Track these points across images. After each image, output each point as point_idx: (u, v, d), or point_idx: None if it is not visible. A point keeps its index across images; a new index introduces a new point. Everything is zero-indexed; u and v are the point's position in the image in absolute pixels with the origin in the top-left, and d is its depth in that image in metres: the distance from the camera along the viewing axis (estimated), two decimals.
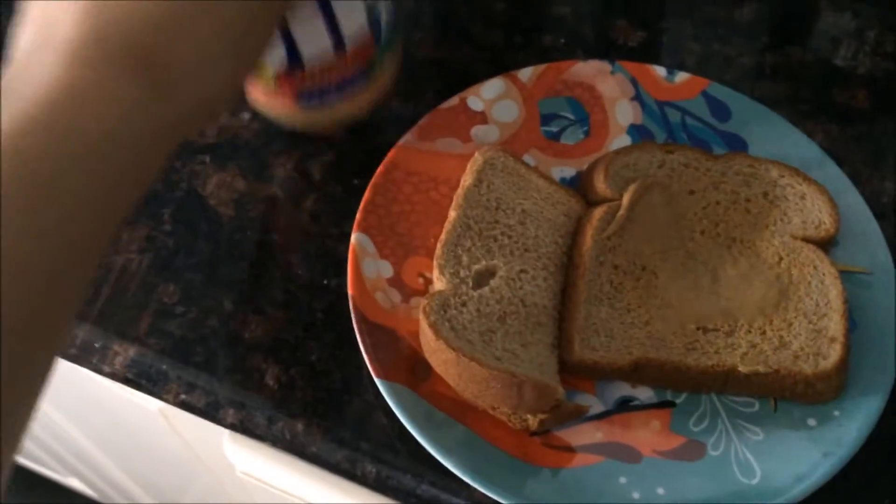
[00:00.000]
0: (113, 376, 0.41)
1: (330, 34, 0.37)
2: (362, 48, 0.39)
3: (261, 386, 0.39)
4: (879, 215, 0.43)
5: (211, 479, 0.66)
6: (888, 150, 0.46)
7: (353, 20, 0.38)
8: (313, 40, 0.37)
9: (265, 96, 0.41)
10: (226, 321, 0.41)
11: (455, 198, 0.40)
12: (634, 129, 0.45)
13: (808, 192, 0.41)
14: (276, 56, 0.38)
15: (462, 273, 0.38)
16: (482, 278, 0.38)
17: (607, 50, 0.51)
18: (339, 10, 0.37)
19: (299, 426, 0.38)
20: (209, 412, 0.39)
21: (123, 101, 0.27)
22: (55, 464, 1.06)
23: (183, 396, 0.40)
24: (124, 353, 0.40)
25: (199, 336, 0.40)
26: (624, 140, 0.45)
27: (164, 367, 0.40)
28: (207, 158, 0.46)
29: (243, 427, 0.39)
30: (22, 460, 1.16)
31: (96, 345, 0.40)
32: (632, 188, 0.41)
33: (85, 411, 0.69)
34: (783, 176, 0.42)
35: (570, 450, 0.36)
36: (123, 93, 0.27)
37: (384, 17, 0.40)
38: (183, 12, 0.28)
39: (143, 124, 0.28)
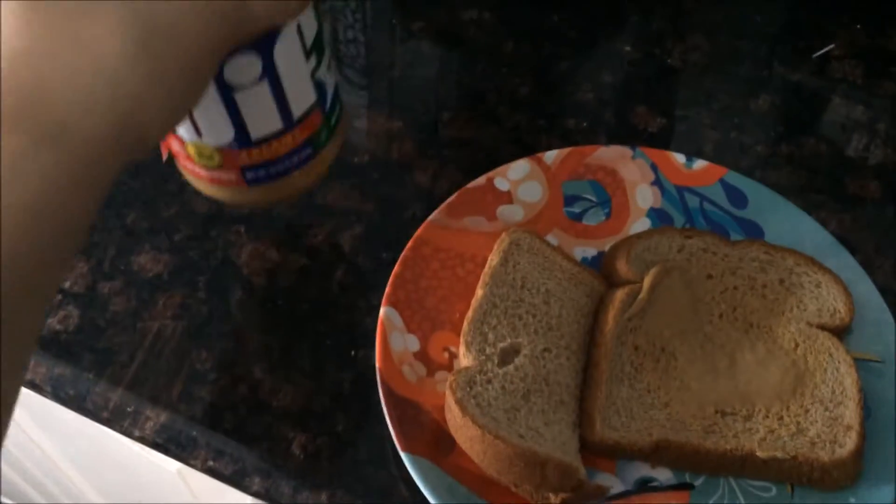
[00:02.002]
0: (143, 440, 0.42)
1: (279, 111, 0.36)
2: (310, 121, 0.38)
3: (287, 455, 0.40)
4: (891, 304, 0.44)
5: None
6: None
7: (302, 98, 0.37)
8: (263, 119, 0.36)
9: (208, 175, 0.39)
10: (255, 389, 0.42)
11: (482, 276, 0.41)
12: (654, 213, 0.47)
13: (823, 280, 0.42)
14: (222, 134, 0.36)
15: (488, 350, 0.39)
16: (507, 356, 0.39)
17: (628, 135, 0.53)
18: (289, 88, 0.36)
19: (324, 497, 0.39)
20: (235, 479, 0.40)
21: (7, 152, 0.25)
22: None
23: (210, 463, 0.40)
24: (156, 417, 0.41)
25: (228, 403, 0.41)
26: (644, 223, 0.47)
27: (194, 433, 0.41)
28: (242, 228, 0.47)
29: (268, 496, 0.40)
30: None
31: (128, 409, 0.41)
32: (653, 271, 0.42)
33: (101, 468, 0.69)
34: (799, 264, 0.43)
35: None
36: (6, 143, 0.25)
37: (329, 89, 0.39)
38: (52, 51, 0.26)
39: (35, 174, 0.25)
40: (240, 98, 0.34)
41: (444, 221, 0.45)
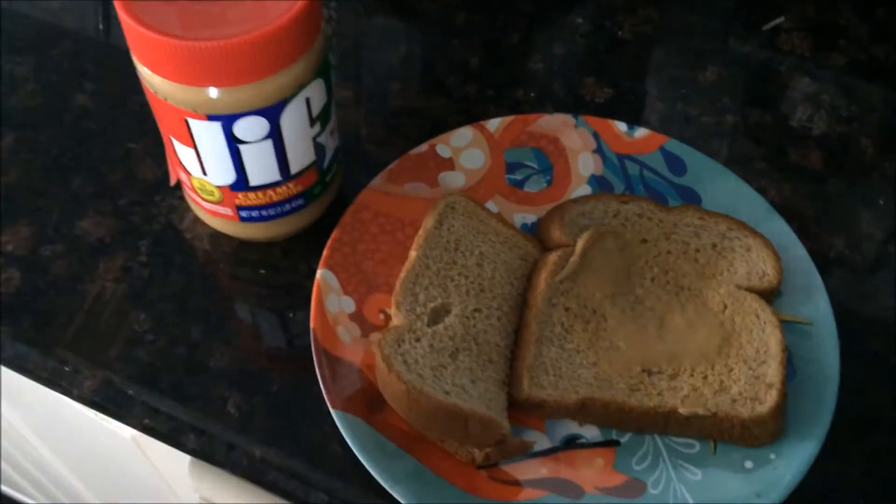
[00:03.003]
0: (81, 400, 0.42)
1: (279, 167, 0.40)
2: (305, 177, 0.42)
3: (222, 413, 0.41)
4: (825, 270, 0.45)
5: None
6: (837, 208, 0.49)
7: (301, 157, 0.41)
8: (263, 171, 0.40)
9: (207, 207, 0.43)
10: (192, 350, 0.42)
11: (416, 238, 0.42)
12: (595, 180, 0.48)
13: (753, 244, 0.43)
14: (224, 177, 0.40)
15: (418, 310, 0.39)
16: (437, 316, 0.40)
17: (575, 105, 0.53)
18: (291, 148, 0.40)
19: (257, 453, 0.40)
20: (171, 437, 0.41)
21: None
22: (35, 492, 1.06)
23: (147, 421, 0.41)
24: (93, 377, 0.42)
25: (166, 364, 0.42)
26: (585, 190, 0.47)
27: (131, 392, 0.41)
28: None
29: (203, 453, 0.41)
30: (3, 488, 1.16)
31: (66, 369, 0.42)
32: (585, 235, 0.43)
33: (62, 437, 0.70)
34: (731, 229, 0.44)
35: (516, 484, 0.38)
36: None
37: (329, 151, 0.43)
38: None
39: None
40: (245, 151, 0.39)
41: (384, 187, 0.46)
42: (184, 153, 0.40)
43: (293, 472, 0.39)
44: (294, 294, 0.44)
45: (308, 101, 0.39)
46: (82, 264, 0.45)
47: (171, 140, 0.40)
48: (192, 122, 0.38)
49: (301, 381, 0.41)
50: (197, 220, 0.47)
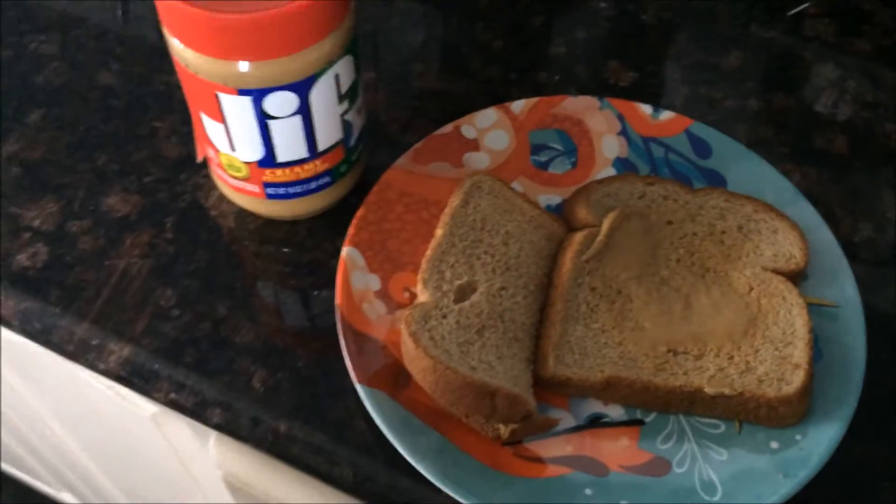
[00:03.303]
0: (107, 373, 0.42)
1: (307, 144, 0.41)
2: (332, 155, 0.42)
3: (247, 388, 0.41)
4: (851, 255, 0.44)
5: (198, 491, 0.67)
6: (863, 193, 0.48)
7: (328, 134, 0.41)
8: (291, 147, 0.40)
9: (233, 184, 0.43)
10: (218, 325, 0.43)
11: (442, 216, 0.42)
12: (619, 162, 0.48)
13: (780, 227, 0.43)
14: (253, 152, 0.40)
15: (444, 287, 0.39)
16: (463, 293, 0.40)
17: (599, 88, 0.53)
18: (319, 124, 0.40)
19: (282, 428, 0.40)
20: (196, 412, 0.41)
21: None
22: (50, 477, 1.07)
23: (172, 395, 0.41)
24: (119, 351, 0.42)
25: (191, 338, 0.42)
26: (609, 172, 0.47)
27: (157, 366, 0.42)
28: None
29: (228, 428, 0.41)
30: (17, 472, 1.17)
31: (93, 342, 0.42)
32: (611, 215, 0.43)
33: (80, 419, 0.70)
34: (757, 211, 0.44)
35: (539, 461, 0.38)
36: None
37: (356, 130, 0.43)
38: None
39: None
40: (274, 126, 0.39)
41: (409, 166, 0.46)
42: (213, 128, 0.40)
43: (318, 447, 0.39)
44: (318, 272, 0.45)
45: (337, 78, 0.39)
46: (108, 240, 0.45)
47: (199, 115, 0.40)
48: (223, 97, 0.38)
49: (325, 357, 0.42)
50: (222, 197, 0.47)
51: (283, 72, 0.37)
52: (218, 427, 0.41)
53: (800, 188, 0.47)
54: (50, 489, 1.17)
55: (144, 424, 0.57)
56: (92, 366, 0.43)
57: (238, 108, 0.38)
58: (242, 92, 0.37)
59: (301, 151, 0.41)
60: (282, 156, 0.41)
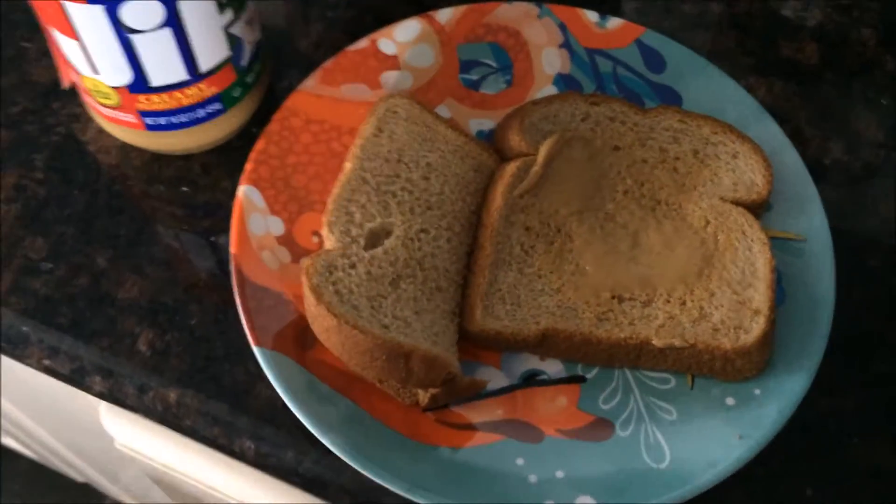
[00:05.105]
0: None
1: (184, 61, 0.34)
2: (220, 77, 0.36)
3: (132, 352, 0.35)
4: (820, 178, 0.39)
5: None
6: (835, 108, 0.43)
7: (211, 51, 0.35)
8: (165, 67, 0.34)
9: (106, 113, 0.37)
10: (97, 280, 0.37)
11: (351, 148, 0.36)
12: (561, 79, 0.42)
13: (741, 150, 0.38)
14: (119, 75, 0.34)
15: (354, 231, 0.34)
16: (376, 238, 0.34)
17: None
18: (196, 39, 0.34)
19: (172, 397, 0.35)
20: (75, 379, 0.36)
21: None
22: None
23: (46, 362, 0.36)
24: None
25: (65, 296, 0.36)
26: (550, 90, 0.41)
27: (26, 329, 0.36)
28: None
29: (112, 396, 0.36)
30: None
31: None
32: (549, 142, 0.37)
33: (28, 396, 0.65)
34: (716, 133, 0.38)
35: (466, 427, 0.33)
36: None
37: (247, 46, 0.37)
38: None
39: None
40: (139, 41, 0.33)
41: (318, 89, 0.39)
42: (68, 47, 0.34)
43: (215, 417, 0.35)
44: (215, 215, 0.39)
45: None
46: None
47: (52, 32, 0.33)
48: (71, 7, 0.31)
49: (224, 314, 0.36)
50: (103, 130, 0.40)
51: None
52: (101, 396, 0.36)
53: (764, 104, 0.42)
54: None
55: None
56: None
57: (90, 20, 0.31)
58: (92, 0, 0.30)
59: (179, 73, 0.34)
60: (156, 79, 0.34)
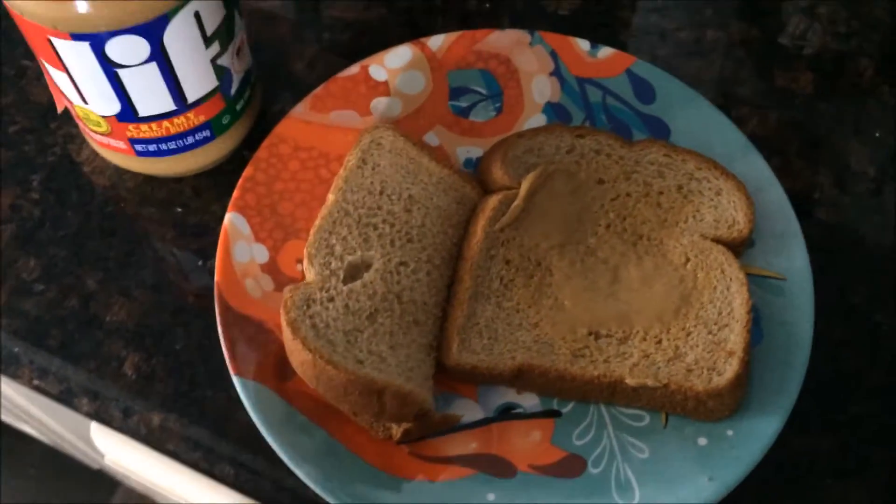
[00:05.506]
0: None
1: (171, 93, 0.35)
2: (208, 106, 0.36)
3: (118, 375, 0.36)
4: (806, 214, 0.39)
5: None
6: (827, 140, 0.43)
7: (198, 83, 0.35)
8: (152, 99, 0.35)
9: (98, 139, 0.38)
10: (87, 302, 0.38)
11: (335, 180, 0.37)
12: (551, 108, 0.42)
13: (724, 187, 0.38)
14: (107, 106, 0.35)
15: (334, 264, 0.34)
16: (356, 271, 0.35)
17: (536, 19, 0.47)
18: (182, 72, 0.34)
19: (156, 420, 0.36)
20: (64, 399, 0.37)
21: None
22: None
23: (36, 382, 0.37)
24: None
25: (56, 318, 0.37)
26: (539, 119, 0.42)
27: (17, 349, 0.37)
28: None
29: (99, 417, 0.36)
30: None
31: None
32: (531, 175, 0.37)
33: None
34: (700, 168, 0.38)
35: (439, 461, 0.34)
36: None
37: (236, 75, 0.37)
38: None
39: None
40: (125, 75, 0.33)
41: (307, 116, 0.40)
42: (59, 78, 0.34)
43: (196, 441, 0.35)
44: (204, 238, 0.39)
45: (198, 16, 0.33)
46: None
47: (43, 63, 0.34)
48: (57, 43, 0.32)
49: (208, 339, 0.37)
50: (97, 151, 0.41)
51: (123, 13, 0.31)
52: (88, 416, 0.37)
53: (756, 135, 0.42)
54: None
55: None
56: None
57: (77, 56, 0.32)
58: (77, 37, 0.31)
59: (166, 104, 0.35)
60: (143, 109, 0.35)
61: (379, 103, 0.41)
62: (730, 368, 0.33)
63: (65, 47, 0.32)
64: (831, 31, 0.46)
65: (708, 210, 0.37)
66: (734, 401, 0.33)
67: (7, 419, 1.15)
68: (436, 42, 0.42)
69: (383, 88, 0.41)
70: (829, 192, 0.41)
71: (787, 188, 0.38)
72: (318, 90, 0.40)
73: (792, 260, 0.37)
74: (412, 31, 0.45)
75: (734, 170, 0.38)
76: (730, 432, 0.34)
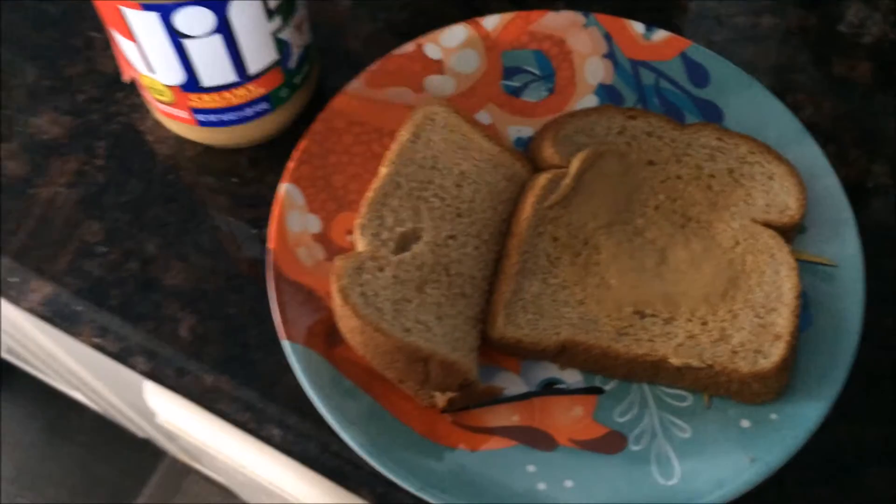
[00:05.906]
0: (30, 311, 0.39)
1: (233, 65, 0.36)
2: (268, 79, 0.37)
3: (174, 336, 0.38)
4: (859, 202, 0.39)
5: None
6: (883, 130, 0.42)
7: (259, 55, 0.36)
8: (215, 70, 0.36)
9: (161, 108, 0.39)
10: (146, 265, 0.39)
11: (388, 153, 0.37)
12: (603, 90, 0.42)
13: (777, 172, 0.37)
14: (173, 75, 0.36)
15: (384, 235, 0.35)
16: (405, 242, 0.35)
17: (591, 1, 0.47)
18: (245, 44, 0.35)
19: (208, 381, 0.37)
20: (121, 357, 0.38)
21: None
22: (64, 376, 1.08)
23: (96, 340, 0.38)
24: (40, 290, 0.39)
25: (117, 279, 0.39)
26: (591, 100, 0.42)
27: (80, 308, 0.38)
28: None
29: (154, 376, 0.38)
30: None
31: (12, 279, 0.39)
32: (581, 155, 0.37)
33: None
34: (753, 153, 0.38)
35: (481, 431, 0.34)
36: None
37: (295, 49, 0.38)
38: None
39: None
40: (191, 46, 0.34)
41: (363, 92, 0.41)
42: (127, 47, 0.36)
43: (245, 402, 0.37)
44: (260, 207, 0.40)
45: None
46: (34, 166, 0.42)
47: (112, 33, 0.36)
48: (127, 12, 0.33)
49: (260, 304, 0.38)
50: (159, 121, 0.42)
51: None
52: (144, 374, 0.38)
53: (811, 123, 0.41)
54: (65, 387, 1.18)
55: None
56: (15, 302, 0.40)
57: (146, 26, 0.33)
58: (147, 7, 0.32)
59: (228, 75, 0.36)
60: (207, 80, 0.36)
61: (432, 81, 0.42)
62: (776, 352, 0.33)
63: (135, 17, 0.33)
64: (891, 20, 0.45)
65: (759, 194, 0.37)
66: (779, 384, 0.33)
67: (61, 386, 1.19)
68: (491, 22, 0.43)
69: (437, 67, 0.42)
70: (883, 183, 0.41)
71: (841, 176, 0.38)
72: (374, 66, 0.41)
73: (844, 247, 0.37)
74: (468, 12, 0.45)
75: (788, 156, 0.38)
76: (774, 416, 0.34)
